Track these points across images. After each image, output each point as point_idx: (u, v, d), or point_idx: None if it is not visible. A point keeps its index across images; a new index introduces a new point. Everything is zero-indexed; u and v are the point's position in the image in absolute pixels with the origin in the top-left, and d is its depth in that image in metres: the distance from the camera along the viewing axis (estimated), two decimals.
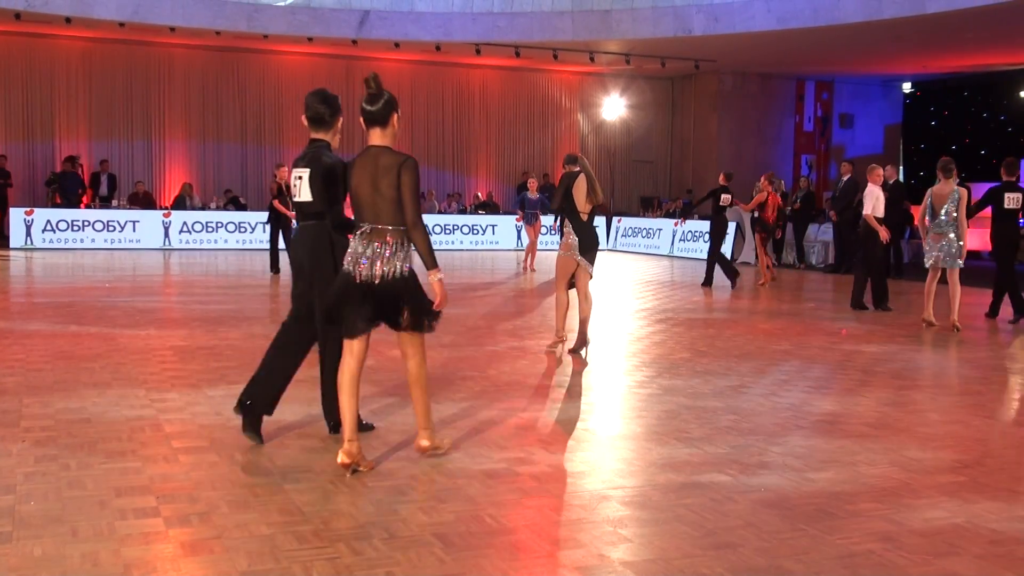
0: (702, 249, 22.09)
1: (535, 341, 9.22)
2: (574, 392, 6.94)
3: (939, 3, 17.14)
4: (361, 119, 4.90)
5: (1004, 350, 9.86)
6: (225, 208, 22.31)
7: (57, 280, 14.38)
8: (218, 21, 20.32)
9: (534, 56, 23.22)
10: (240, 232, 21.62)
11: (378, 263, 4.75)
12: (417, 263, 4.86)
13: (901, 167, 26.52)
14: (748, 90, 25.88)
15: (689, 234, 22.88)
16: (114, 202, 21.79)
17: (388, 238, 4.75)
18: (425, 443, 5.04)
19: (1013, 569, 3.83)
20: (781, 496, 4.60)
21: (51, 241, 20.08)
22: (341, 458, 4.70)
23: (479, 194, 24.88)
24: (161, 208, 22.11)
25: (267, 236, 16.92)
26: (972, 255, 13.80)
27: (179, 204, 22.01)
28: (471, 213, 23.93)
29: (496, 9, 21.33)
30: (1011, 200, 11.65)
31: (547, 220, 19.38)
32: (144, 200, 21.96)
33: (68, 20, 19.34)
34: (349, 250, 4.87)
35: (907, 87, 27.89)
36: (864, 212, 11.84)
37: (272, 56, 23.76)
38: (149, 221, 20.98)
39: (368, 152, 4.85)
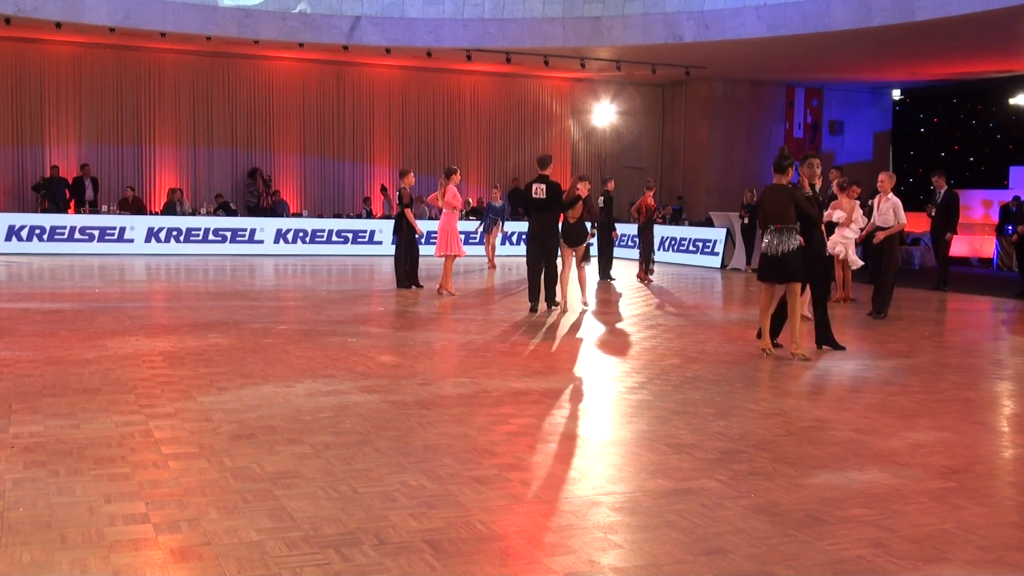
0: (690, 256, 22.16)
1: (525, 346, 9.22)
2: (564, 398, 6.94)
3: (928, 11, 17.21)
4: (774, 167, 8.85)
5: (992, 357, 9.89)
6: (216, 214, 22.27)
7: (46, 285, 14.33)
8: (208, 26, 20.27)
9: (525, 62, 23.25)
10: (231, 238, 21.58)
11: (783, 246, 8.64)
12: None
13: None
14: (738, 97, 25.96)
15: (673, 240, 22.93)
16: (103, 207, 21.72)
17: (787, 232, 8.65)
18: (796, 350, 8.74)
19: (1003, 575, 3.84)
20: (771, 502, 4.61)
21: (40, 246, 20.01)
22: (764, 346, 8.95)
23: (470, 200, 24.88)
24: (151, 214, 22.05)
25: (394, 250, 15.01)
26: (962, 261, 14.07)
27: (169, 210, 21.96)
28: (462, 219, 23.90)
29: (487, 15, 21.35)
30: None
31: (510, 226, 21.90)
32: (134, 206, 21.90)
33: (58, 25, 19.29)
34: (765, 240, 8.79)
35: (896, 94, 27.98)
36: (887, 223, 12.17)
37: (263, 62, 23.74)
38: (139, 227, 20.93)
39: (775, 186, 8.82)
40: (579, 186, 12.15)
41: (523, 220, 20.35)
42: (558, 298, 12.28)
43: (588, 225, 12.34)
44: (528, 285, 12.21)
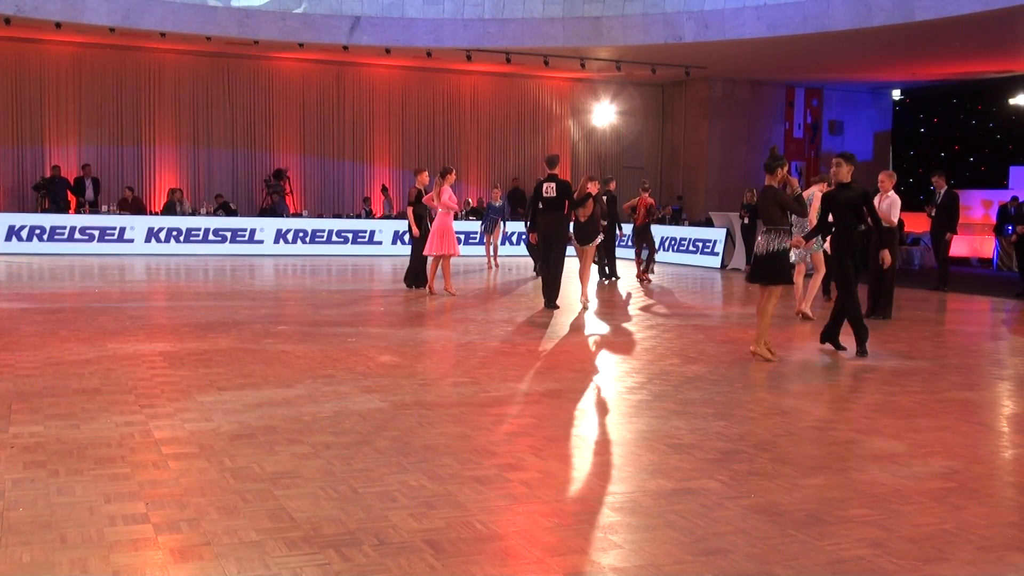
0: (689, 256, 22.17)
1: (525, 346, 9.22)
2: (564, 398, 6.94)
3: (928, 11, 17.20)
4: (765, 168, 8.88)
5: (992, 357, 9.89)
6: (215, 214, 22.27)
7: (46, 286, 14.33)
8: (208, 27, 20.26)
9: (525, 62, 23.24)
10: (231, 238, 21.58)
11: (770, 246, 8.64)
12: None
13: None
14: (738, 97, 25.95)
15: (673, 240, 22.93)
16: (103, 207, 21.72)
17: (774, 232, 8.66)
18: (754, 348, 8.72)
19: (1003, 575, 3.84)
20: (771, 502, 4.61)
21: (39, 246, 20.00)
22: (753, 348, 8.77)
23: (470, 200, 24.89)
24: (151, 214, 22.05)
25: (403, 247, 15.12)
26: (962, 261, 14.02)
27: (169, 210, 21.96)
28: (462, 219, 23.91)
29: (487, 15, 21.34)
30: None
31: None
32: (134, 206, 21.89)
33: (58, 25, 19.28)
34: (758, 240, 8.82)
35: (896, 94, 27.96)
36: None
37: (263, 62, 23.73)
38: (138, 227, 20.92)
39: (764, 187, 8.84)
40: (589, 185, 12.57)
41: (522, 220, 20.36)
42: (559, 301, 12.56)
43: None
44: (542, 282, 12.77)
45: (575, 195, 12.51)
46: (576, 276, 13.11)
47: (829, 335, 9.45)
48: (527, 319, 11.41)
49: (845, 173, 9.19)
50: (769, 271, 8.72)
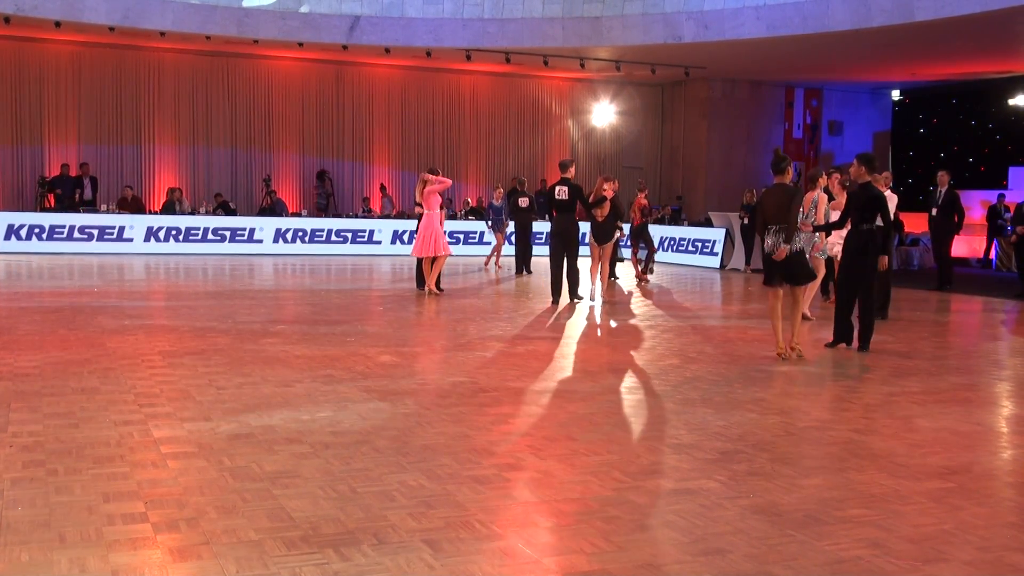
0: (689, 256, 22.18)
1: (524, 346, 9.22)
2: (564, 398, 6.93)
3: (928, 11, 17.21)
4: (773, 169, 8.70)
5: (991, 358, 9.89)
6: (215, 213, 22.25)
7: (45, 285, 14.32)
8: (208, 26, 20.25)
9: (524, 62, 23.23)
10: (230, 238, 21.57)
11: (795, 245, 8.55)
12: None
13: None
14: (738, 97, 25.95)
15: (672, 240, 22.94)
16: (103, 207, 21.70)
17: (786, 232, 8.48)
18: (792, 345, 8.69)
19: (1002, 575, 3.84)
20: (770, 502, 4.61)
21: (39, 245, 19.99)
22: (779, 350, 8.70)
23: (469, 200, 24.88)
24: (150, 213, 22.03)
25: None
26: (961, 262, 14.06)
27: (168, 209, 21.94)
28: (461, 219, 23.91)
29: (487, 15, 21.32)
30: None
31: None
32: (133, 205, 21.87)
33: (58, 24, 19.26)
34: (768, 241, 8.60)
35: (896, 95, 27.96)
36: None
37: (263, 61, 23.72)
38: (138, 226, 20.90)
39: (775, 186, 8.68)
40: (605, 186, 13.11)
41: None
42: (581, 292, 13.19)
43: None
44: (551, 280, 13.13)
45: (591, 197, 13.02)
46: (595, 275, 13.51)
47: (864, 338, 9.37)
48: (527, 319, 11.41)
49: (860, 173, 9.27)
50: (792, 273, 8.69)
